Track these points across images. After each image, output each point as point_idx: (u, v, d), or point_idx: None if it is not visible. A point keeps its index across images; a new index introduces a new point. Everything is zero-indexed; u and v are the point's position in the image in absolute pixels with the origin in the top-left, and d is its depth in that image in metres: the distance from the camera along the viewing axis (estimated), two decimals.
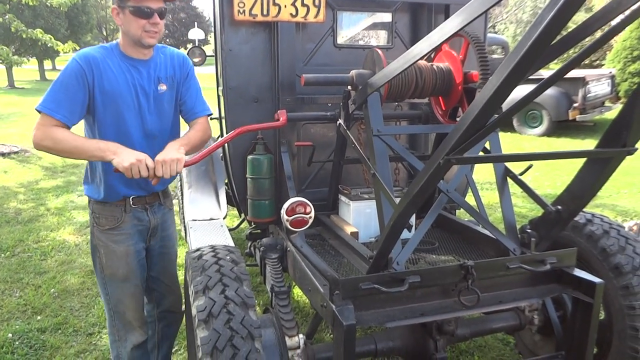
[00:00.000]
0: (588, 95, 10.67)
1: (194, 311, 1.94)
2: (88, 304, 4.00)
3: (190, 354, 2.69)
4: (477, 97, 1.40)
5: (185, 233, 4.16)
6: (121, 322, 2.55)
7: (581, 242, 2.63)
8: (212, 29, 3.00)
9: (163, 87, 2.39)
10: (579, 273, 2.31)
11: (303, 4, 2.66)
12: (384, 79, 2.09)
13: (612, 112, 12.08)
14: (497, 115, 1.54)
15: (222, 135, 3.18)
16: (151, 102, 2.37)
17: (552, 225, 2.28)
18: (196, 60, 3.56)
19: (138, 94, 2.32)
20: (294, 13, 2.67)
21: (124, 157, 2.13)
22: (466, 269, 2.12)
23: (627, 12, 1.39)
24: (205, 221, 4.05)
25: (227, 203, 4.41)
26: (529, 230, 2.35)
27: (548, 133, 11.09)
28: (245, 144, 2.89)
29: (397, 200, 2.13)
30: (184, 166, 2.27)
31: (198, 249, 2.26)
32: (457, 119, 2.54)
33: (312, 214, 2.13)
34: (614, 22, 1.47)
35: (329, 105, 2.96)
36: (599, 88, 11.21)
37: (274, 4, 2.62)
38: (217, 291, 1.95)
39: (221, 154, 4.22)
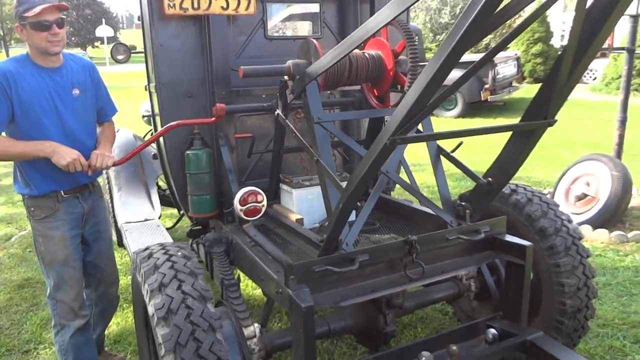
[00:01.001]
0: (497, 77, 11.33)
1: (151, 310, 1.93)
2: (19, 321, 3.79)
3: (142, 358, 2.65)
4: (419, 77, 1.49)
5: (121, 237, 4.03)
6: (63, 310, 2.75)
7: (508, 210, 2.83)
8: (140, 24, 2.94)
9: (76, 92, 2.67)
10: (510, 238, 2.51)
11: None
12: (322, 68, 2.16)
13: (519, 91, 12.90)
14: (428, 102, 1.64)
15: (155, 132, 3.13)
16: (67, 106, 2.63)
17: (483, 196, 2.45)
18: (120, 57, 3.45)
19: (54, 99, 2.58)
20: (224, 6, 2.67)
21: (61, 156, 2.49)
22: (410, 244, 2.24)
23: None
24: (139, 223, 3.96)
25: (161, 203, 4.34)
26: (463, 203, 2.51)
27: (463, 114, 11.67)
28: (182, 140, 2.86)
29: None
30: (114, 165, 2.71)
31: (147, 248, 2.24)
32: (390, 104, 2.66)
33: (265, 202, 2.17)
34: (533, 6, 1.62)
35: (263, 96, 2.99)
36: (507, 69, 11.92)
37: None
38: (173, 287, 1.95)
39: (153, 153, 4.13)
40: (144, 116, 4.42)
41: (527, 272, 2.47)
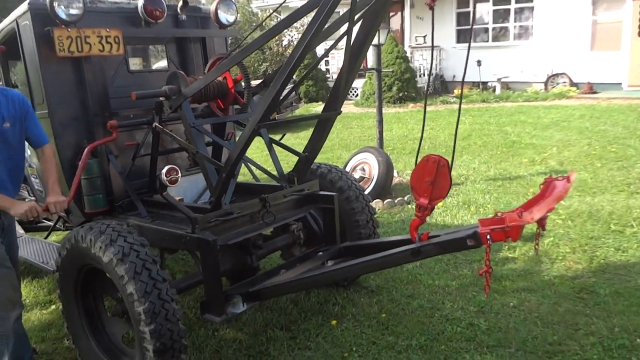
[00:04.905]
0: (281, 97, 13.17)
1: (107, 257, 2.78)
2: None
3: (76, 336, 3.33)
4: (272, 84, 2.72)
5: None
6: (2, 303, 3.10)
7: (318, 179, 4.20)
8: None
9: (7, 125, 3.07)
10: (323, 193, 3.86)
11: (107, 42, 3.55)
12: (194, 90, 3.26)
13: (299, 110, 15.01)
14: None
15: None
16: None
17: (303, 166, 3.77)
18: None
19: None
20: (102, 49, 3.54)
21: (18, 209, 3.01)
22: (264, 200, 3.44)
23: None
24: None
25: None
26: (291, 173, 3.79)
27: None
28: (73, 153, 3.61)
29: (198, 175, 3.37)
30: (67, 201, 3.21)
31: (84, 226, 3.03)
32: (229, 113, 3.82)
33: (180, 176, 3.14)
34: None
35: (131, 116, 3.88)
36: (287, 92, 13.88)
37: (86, 42, 3.44)
38: (121, 241, 2.84)
39: None
40: None
41: (337, 213, 3.83)
